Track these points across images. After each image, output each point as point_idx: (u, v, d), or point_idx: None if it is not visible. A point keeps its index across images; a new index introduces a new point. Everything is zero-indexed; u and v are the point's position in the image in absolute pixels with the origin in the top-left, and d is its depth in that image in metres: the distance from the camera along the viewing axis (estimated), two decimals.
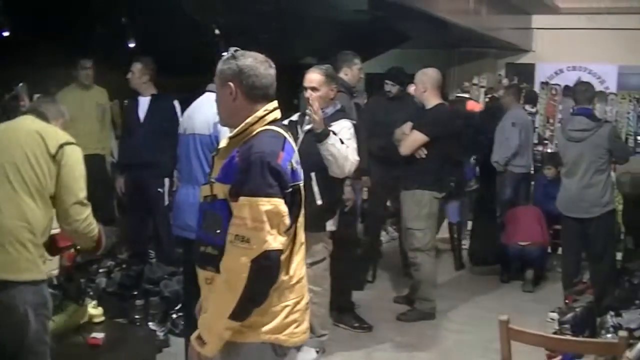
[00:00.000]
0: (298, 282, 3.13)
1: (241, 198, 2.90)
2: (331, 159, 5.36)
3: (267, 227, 2.86)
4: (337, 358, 5.98)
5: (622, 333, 3.81)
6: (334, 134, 5.37)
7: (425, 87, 6.81)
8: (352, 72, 6.67)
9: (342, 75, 6.56)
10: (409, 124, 6.85)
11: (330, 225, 5.75)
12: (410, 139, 6.73)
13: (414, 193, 6.81)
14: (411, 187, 6.83)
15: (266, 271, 2.90)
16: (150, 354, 5.47)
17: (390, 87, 7.83)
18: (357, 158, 5.59)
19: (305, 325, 3.19)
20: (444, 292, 7.59)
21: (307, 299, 3.21)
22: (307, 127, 5.50)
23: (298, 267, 3.13)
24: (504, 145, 8.93)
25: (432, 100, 6.83)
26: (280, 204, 2.92)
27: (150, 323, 6.02)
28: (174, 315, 6.20)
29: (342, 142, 5.39)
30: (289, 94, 6.33)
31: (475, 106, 10.51)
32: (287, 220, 2.95)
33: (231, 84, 3.05)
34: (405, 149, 6.75)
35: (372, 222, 8.38)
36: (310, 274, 5.48)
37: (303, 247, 3.19)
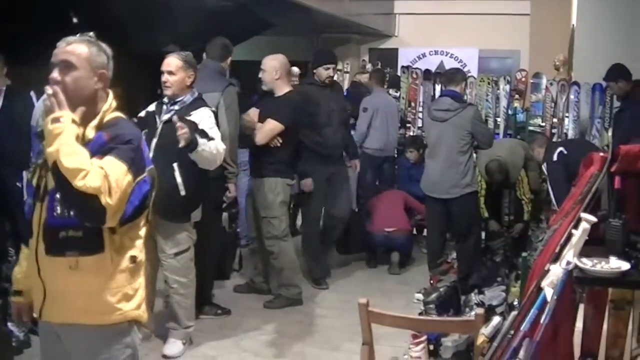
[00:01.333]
0: (143, 262, 3.18)
1: (108, 157, 2.85)
2: (204, 161, 5.29)
3: (123, 195, 2.83)
4: (205, 348, 5.92)
5: (479, 310, 3.88)
6: (200, 133, 5.25)
7: (279, 74, 6.71)
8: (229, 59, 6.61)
9: (224, 65, 6.54)
10: (254, 110, 6.79)
11: (196, 216, 5.67)
12: (267, 129, 6.59)
13: (268, 181, 6.71)
14: (264, 175, 6.73)
15: (90, 217, 2.82)
16: (7, 356, 5.27)
17: (331, 72, 7.56)
18: (224, 146, 5.51)
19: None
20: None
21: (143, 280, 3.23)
22: (166, 116, 5.40)
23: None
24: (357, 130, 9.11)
25: (283, 87, 6.77)
26: (131, 185, 2.89)
27: (9, 323, 5.80)
28: (35, 314, 5.98)
29: (209, 138, 5.29)
30: (152, 83, 6.20)
31: None
32: (126, 206, 2.87)
33: (103, 72, 3.05)
34: (261, 139, 6.60)
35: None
36: (176, 265, 5.49)
37: None
